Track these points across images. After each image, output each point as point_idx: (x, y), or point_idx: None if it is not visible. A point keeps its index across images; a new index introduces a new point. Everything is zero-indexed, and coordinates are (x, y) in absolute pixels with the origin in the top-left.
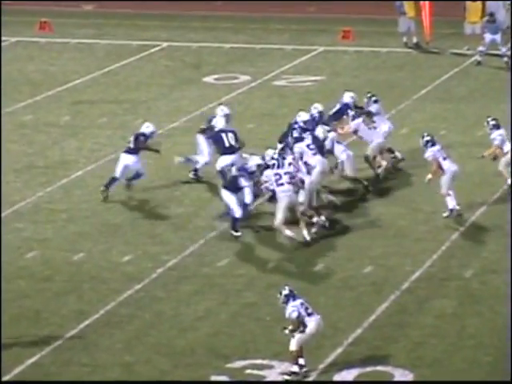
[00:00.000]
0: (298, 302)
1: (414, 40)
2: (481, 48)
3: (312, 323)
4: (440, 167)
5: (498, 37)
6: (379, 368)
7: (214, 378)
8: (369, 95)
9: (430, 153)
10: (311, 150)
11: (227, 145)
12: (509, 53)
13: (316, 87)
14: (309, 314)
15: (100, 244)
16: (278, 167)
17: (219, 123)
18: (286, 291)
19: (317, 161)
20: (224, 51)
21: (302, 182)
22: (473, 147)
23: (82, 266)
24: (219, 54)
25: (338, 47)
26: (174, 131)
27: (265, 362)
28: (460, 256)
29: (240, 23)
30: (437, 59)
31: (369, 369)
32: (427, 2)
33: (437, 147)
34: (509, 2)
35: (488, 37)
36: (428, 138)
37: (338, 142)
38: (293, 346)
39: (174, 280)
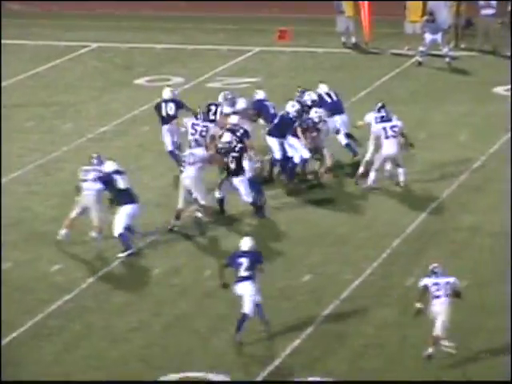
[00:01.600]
0: None
1: (353, 40)
2: (421, 48)
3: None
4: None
5: (438, 36)
6: (319, 380)
7: None
8: (300, 89)
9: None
10: None
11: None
12: (451, 53)
13: (252, 89)
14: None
15: (27, 253)
16: None
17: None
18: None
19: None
20: (156, 52)
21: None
22: (414, 150)
23: (8, 276)
24: (151, 54)
25: (275, 48)
26: (104, 135)
27: (200, 374)
28: (401, 263)
29: (172, 23)
30: (376, 60)
31: (309, 379)
32: (366, 2)
33: (384, 124)
34: (451, 2)
35: (428, 37)
36: (382, 113)
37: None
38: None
39: (105, 290)
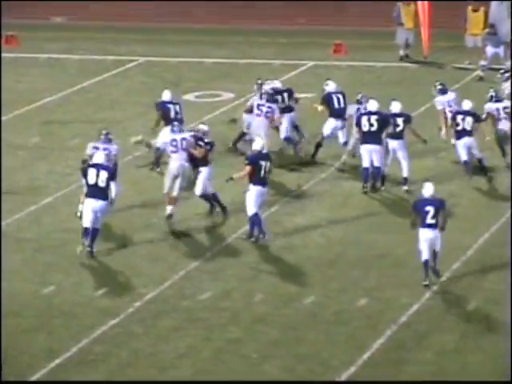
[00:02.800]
0: None
1: (407, 51)
2: (482, 62)
3: None
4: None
5: (500, 50)
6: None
7: None
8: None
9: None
10: None
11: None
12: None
13: (307, 105)
14: None
15: (72, 276)
16: None
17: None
18: None
19: None
20: (205, 67)
21: None
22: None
23: (52, 300)
24: (200, 69)
25: (330, 62)
26: (151, 153)
27: None
28: (461, 287)
29: (223, 36)
30: (436, 74)
31: None
32: (426, 13)
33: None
34: None
35: (490, 50)
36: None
37: None
38: None
39: (153, 315)
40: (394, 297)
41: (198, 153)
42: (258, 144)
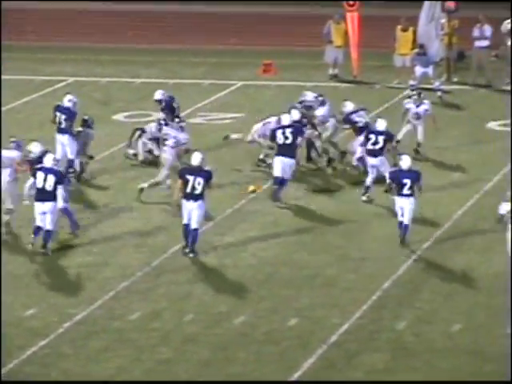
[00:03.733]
0: None
1: (336, 71)
2: (411, 82)
3: None
4: None
5: (429, 70)
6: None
7: None
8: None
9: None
10: None
11: None
12: (443, 87)
13: (235, 125)
14: None
15: (3, 295)
16: None
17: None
18: None
19: None
20: (135, 86)
21: None
22: None
23: None
24: (130, 89)
25: (259, 81)
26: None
27: None
28: (392, 306)
29: (152, 56)
30: (365, 93)
31: None
32: (356, 32)
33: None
34: (442, 33)
35: (419, 70)
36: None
37: None
38: None
39: (82, 335)
40: (324, 316)
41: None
42: (197, 158)
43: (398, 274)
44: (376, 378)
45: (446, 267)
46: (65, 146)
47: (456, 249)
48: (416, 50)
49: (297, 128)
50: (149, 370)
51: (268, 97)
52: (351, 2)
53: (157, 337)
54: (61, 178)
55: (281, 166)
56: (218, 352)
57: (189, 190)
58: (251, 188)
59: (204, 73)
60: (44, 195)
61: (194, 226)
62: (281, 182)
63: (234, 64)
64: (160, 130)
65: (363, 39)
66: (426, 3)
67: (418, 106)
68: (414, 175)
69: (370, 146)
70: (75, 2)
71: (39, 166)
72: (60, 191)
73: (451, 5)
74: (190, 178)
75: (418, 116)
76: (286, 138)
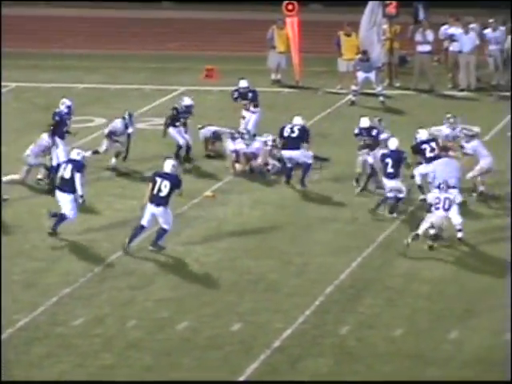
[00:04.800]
0: None
1: (279, 77)
2: (353, 87)
3: None
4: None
5: (371, 75)
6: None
7: None
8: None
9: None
10: None
11: None
12: (384, 92)
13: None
14: None
15: None
16: None
17: None
18: None
19: None
20: (77, 92)
21: None
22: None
23: None
24: (72, 95)
25: (201, 87)
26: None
27: None
28: (335, 311)
29: (94, 62)
30: (308, 99)
31: None
32: (296, 37)
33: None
34: (384, 38)
35: (361, 75)
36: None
37: None
38: None
39: (25, 341)
40: (267, 321)
41: None
42: (168, 165)
43: (341, 279)
44: (320, 383)
45: (388, 272)
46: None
47: (398, 254)
48: (359, 56)
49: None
50: (91, 375)
51: (210, 102)
52: (290, 7)
53: (100, 343)
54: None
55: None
56: (161, 357)
57: (155, 192)
58: (208, 194)
59: (146, 78)
60: (64, 185)
61: (164, 226)
62: (306, 168)
63: (176, 69)
64: (126, 126)
65: (305, 44)
66: (368, 9)
67: (454, 130)
68: (398, 155)
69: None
70: (16, 7)
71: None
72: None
73: (392, 10)
74: (158, 180)
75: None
76: (293, 132)
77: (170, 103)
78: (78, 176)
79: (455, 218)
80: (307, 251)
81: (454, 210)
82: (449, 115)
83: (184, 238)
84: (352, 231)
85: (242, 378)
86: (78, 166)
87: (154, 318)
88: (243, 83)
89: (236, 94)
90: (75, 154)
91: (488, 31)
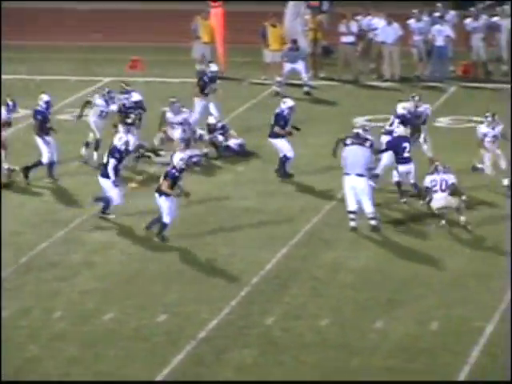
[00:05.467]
0: None
1: (203, 67)
2: (278, 78)
3: None
4: None
5: (298, 65)
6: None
7: None
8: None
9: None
10: None
11: None
12: (310, 83)
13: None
14: None
15: None
16: None
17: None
18: None
19: None
20: (2, 83)
21: None
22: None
23: None
24: None
25: (126, 77)
26: None
27: None
28: (260, 302)
29: (19, 53)
30: (233, 90)
31: None
32: (221, 28)
33: None
34: (307, 28)
35: (287, 66)
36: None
37: None
38: None
39: None
40: (193, 312)
41: None
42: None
43: (267, 269)
44: (245, 374)
45: (314, 262)
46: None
47: (324, 244)
48: (289, 46)
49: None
50: (17, 367)
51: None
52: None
53: (25, 334)
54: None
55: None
56: (87, 349)
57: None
58: (134, 184)
59: (71, 69)
60: (103, 171)
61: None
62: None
63: (100, 60)
64: (107, 101)
65: (230, 35)
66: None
67: (493, 129)
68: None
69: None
70: None
71: None
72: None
73: (315, 2)
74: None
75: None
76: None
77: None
78: (111, 161)
79: (367, 206)
80: (232, 242)
81: (365, 199)
82: (488, 114)
83: (109, 229)
84: (277, 221)
85: (167, 370)
86: (113, 151)
87: (80, 309)
88: (214, 67)
89: (206, 78)
90: (117, 140)
91: (412, 21)
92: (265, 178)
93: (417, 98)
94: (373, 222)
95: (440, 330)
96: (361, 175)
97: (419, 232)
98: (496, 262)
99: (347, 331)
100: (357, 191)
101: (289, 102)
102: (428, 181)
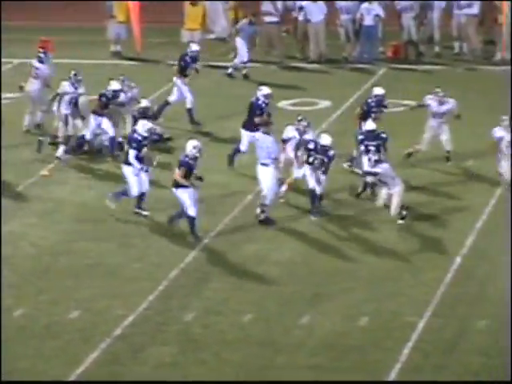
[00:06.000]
0: None
1: (118, 48)
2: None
3: None
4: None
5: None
6: None
7: None
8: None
9: None
10: None
11: None
12: (233, 64)
13: (15, 105)
14: None
15: None
16: None
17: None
18: None
19: None
20: None
21: None
22: None
23: None
24: None
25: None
26: None
27: None
28: (179, 297)
29: None
30: (150, 71)
31: None
32: (136, 6)
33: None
34: (228, 6)
35: (240, 41)
36: None
37: None
38: None
39: None
40: (108, 308)
41: None
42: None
43: (186, 262)
44: (163, 372)
45: (236, 255)
46: None
47: (245, 235)
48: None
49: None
50: None
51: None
52: None
53: None
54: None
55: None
56: None
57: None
58: (46, 172)
59: None
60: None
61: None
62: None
63: (9, 41)
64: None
65: (146, 14)
66: None
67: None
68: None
69: None
70: None
71: None
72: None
73: None
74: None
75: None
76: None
77: (5, 76)
78: (130, 152)
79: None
80: (149, 233)
81: (267, 188)
82: (504, 117)
83: (18, 220)
84: (199, 211)
85: (81, 368)
86: (131, 139)
87: None
88: (194, 46)
89: (188, 59)
90: (141, 127)
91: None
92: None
93: (441, 94)
94: (259, 211)
95: (369, 326)
96: (264, 164)
97: (348, 224)
98: (430, 256)
99: (271, 327)
100: (261, 180)
101: (265, 90)
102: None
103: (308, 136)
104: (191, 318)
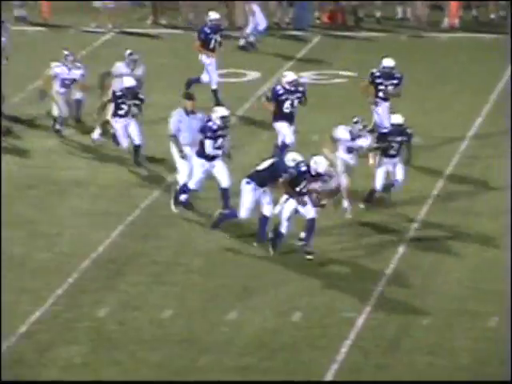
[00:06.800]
0: None
1: (23, 13)
2: (110, 26)
3: None
4: None
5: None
6: None
7: None
8: None
9: None
10: None
11: None
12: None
13: None
14: None
15: None
16: None
17: None
18: None
19: None
20: None
21: None
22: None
23: None
24: None
25: None
26: None
27: None
28: (92, 290)
29: None
30: (59, 38)
31: None
32: None
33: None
34: None
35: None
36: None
37: None
38: None
39: None
40: (11, 303)
41: None
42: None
43: (99, 251)
44: (73, 374)
45: (155, 244)
46: None
47: (166, 222)
48: None
49: None
50: None
51: None
52: None
53: None
54: None
55: None
56: None
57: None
58: None
59: None
60: None
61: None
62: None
63: None
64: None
65: None
66: None
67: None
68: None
69: None
70: None
71: None
72: None
73: None
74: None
75: None
76: None
77: None
78: (206, 142)
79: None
80: (58, 220)
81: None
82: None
83: None
84: (112, 196)
85: None
86: (205, 129)
87: None
88: (214, 14)
89: (208, 30)
90: (214, 114)
91: None
92: (97, 145)
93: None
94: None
95: (303, 322)
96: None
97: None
98: (375, 248)
99: (194, 324)
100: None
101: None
102: None
103: (362, 141)
104: (104, 314)
